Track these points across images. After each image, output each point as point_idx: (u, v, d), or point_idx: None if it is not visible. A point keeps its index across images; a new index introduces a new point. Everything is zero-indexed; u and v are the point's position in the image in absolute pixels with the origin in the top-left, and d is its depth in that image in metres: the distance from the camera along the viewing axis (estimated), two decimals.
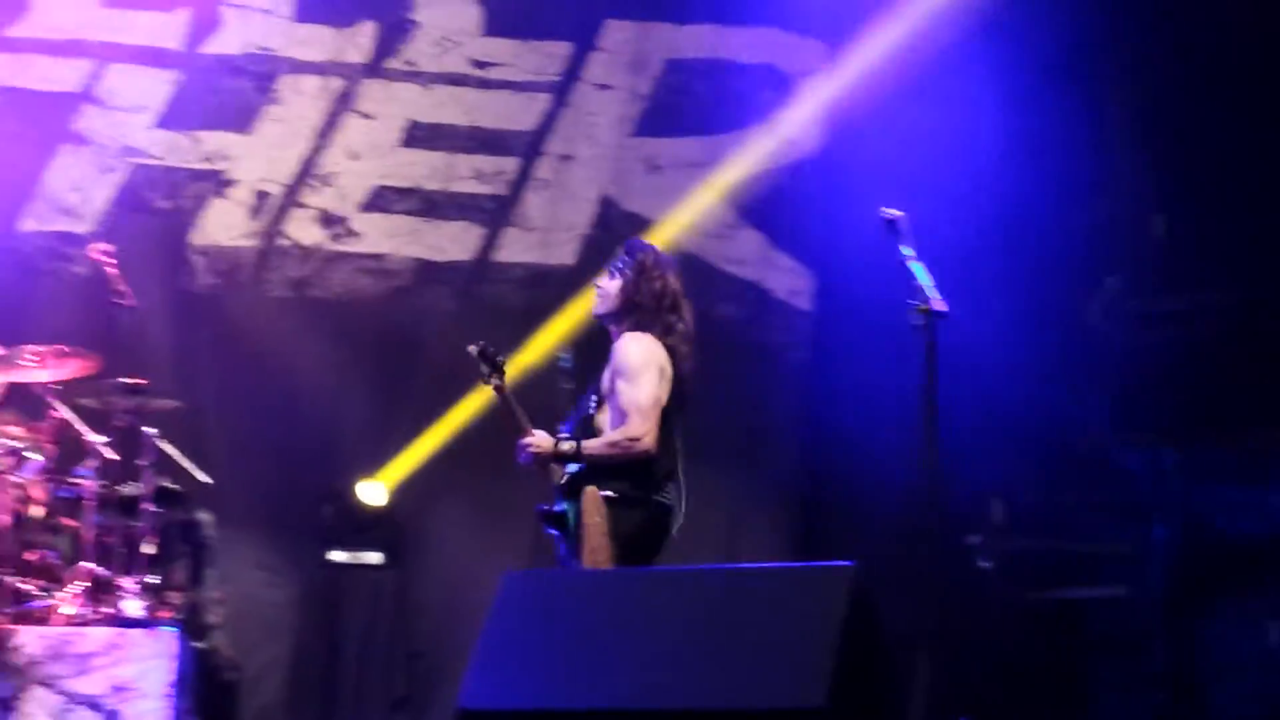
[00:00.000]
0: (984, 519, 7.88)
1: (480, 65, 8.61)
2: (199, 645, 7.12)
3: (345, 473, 8.19)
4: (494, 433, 8.19)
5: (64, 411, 7.18)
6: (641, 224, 8.53)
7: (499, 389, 5.75)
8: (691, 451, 8.20)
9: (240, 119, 8.46)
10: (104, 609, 6.84)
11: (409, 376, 8.38)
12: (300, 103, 8.49)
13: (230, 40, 8.45)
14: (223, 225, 8.42)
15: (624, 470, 5.52)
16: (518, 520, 8.10)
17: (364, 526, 8.17)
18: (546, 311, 8.33)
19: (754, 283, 8.65)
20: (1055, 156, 8.08)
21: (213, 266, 8.43)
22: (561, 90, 8.63)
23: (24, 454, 7.01)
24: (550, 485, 5.69)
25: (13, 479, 6.92)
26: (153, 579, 7.06)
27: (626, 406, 5.51)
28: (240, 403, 8.23)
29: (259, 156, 8.45)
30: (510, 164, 8.60)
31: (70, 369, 7.22)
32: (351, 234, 8.52)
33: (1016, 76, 8.08)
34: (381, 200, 8.55)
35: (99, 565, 6.97)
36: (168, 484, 7.40)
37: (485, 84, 8.60)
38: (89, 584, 6.89)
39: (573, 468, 5.60)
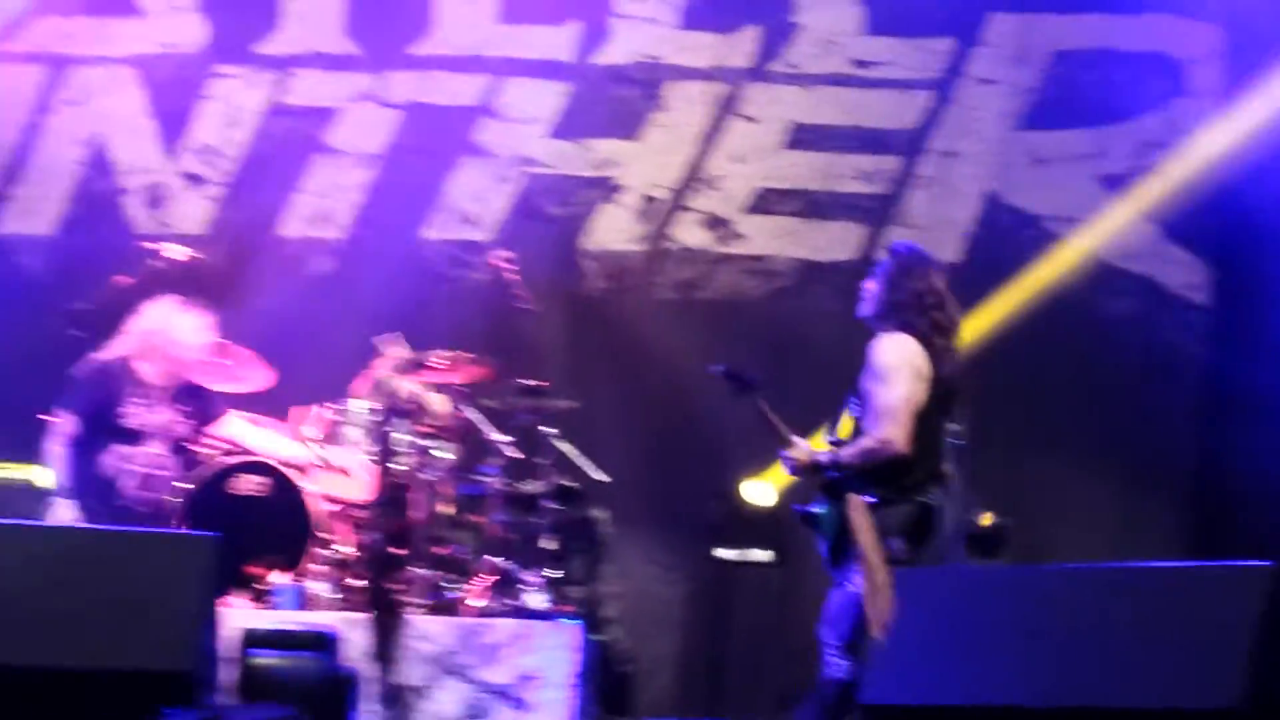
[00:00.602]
0: None
1: (862, 64, 8.61)
2: (597, 638, 7.34)
3: (732, 472, 8.29)
4: None
5: (469, 412, 7.52)
6: (1026, 219, 8.42)
7: (754, 404, 5.81)
8: (1081, 451, 8.13)
9: (628, 126, 8.67)
10: (509, 601, 7.12)
11: (793, 377, 8.44)
12: (685, 108, 8.65)
13: (618, 50, 8.67)
14: (612, 230, 8.66)
15: (883, 474, 5.55)
16: None
17: (752, 525, 8.26)
18: None
19: (1145, 276, 8.42)
20: None
21: (603, 270, 8.68)
22: (944, 86, 8.56)
23: (434, 453, 7.38)
24: (811, 487, 5.78)
25: (424, 477, 7.28)
26: (553, 573, 7.32)
27: (878, 409, 5.53)
28: (631, 402, 8.44)
29: (646, 162, 8.64)
30: (892, 162, 8.58)
31: (475, 372, 7.55)
32: (736, 236, 8.65)
33: None
34: (765, 202, 8.64)
35: (503, 560, 7.27)
36: (566, 482, 7.65)
37: (867, 83, 8.60)
38: (494, 577, 7.18)
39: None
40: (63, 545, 4.71)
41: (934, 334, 5.66)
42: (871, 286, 5.83)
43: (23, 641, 4.46)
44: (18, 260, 8.79)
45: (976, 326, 8.11)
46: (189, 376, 6.90)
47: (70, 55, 8.81)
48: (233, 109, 8.75)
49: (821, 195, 8.61)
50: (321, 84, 8.75)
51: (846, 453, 5.62)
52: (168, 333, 6.77)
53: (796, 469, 5.77)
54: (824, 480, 5.69)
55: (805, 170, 8.60)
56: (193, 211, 8.72)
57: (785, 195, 8.62)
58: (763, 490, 8.18)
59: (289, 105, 8.75)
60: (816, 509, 5.73)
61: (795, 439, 5.80)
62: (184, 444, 6.74)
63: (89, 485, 6.49)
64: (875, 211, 8.58)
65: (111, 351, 6.70)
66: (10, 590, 4.50)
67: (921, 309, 5.67)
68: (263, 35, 8.78)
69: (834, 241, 8.59)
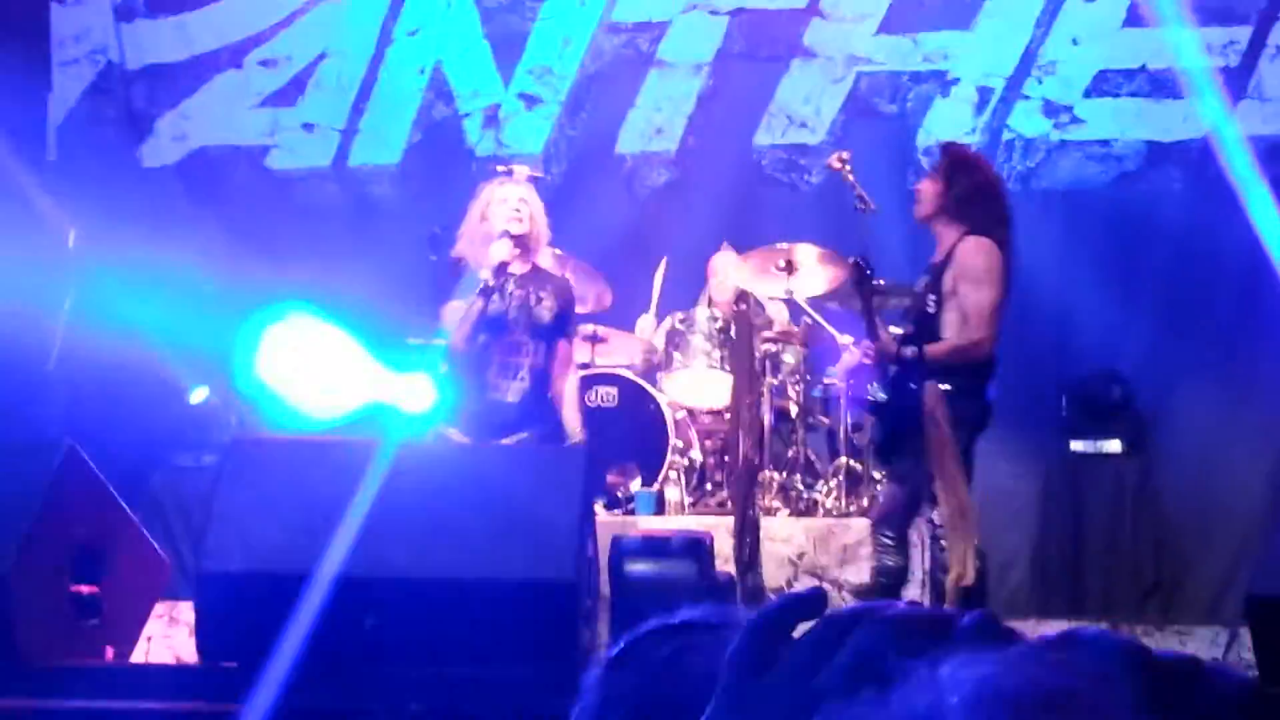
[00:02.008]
0: None
1: None
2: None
3: (1080, 363, 8.13)
4: (1239, 318, 7.95)
5: (813, 315, 7.54)
6: None
7: (865, 297, 5.86)
8: None
9: (960, 16, 8.48)
10: (860, 501, 7.15)
11: (1140, 263, 8.21)
12: None
13: None
14: (947, 123, 8.49)
15: (958, 369, 5.64)
16: (1262, 402, 7.84)
17: (1103, 415, 8.09)
18: None
19: None
20: None
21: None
22: None
23: (781, 357, 7.43)
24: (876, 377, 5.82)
25: (771, 381, 7.35)
26: None
27: (971, 311, 5.61)
28: None
29: (980, 51, 8.45)
30: (1242, 33, 8.20)
31: (825, 275, 7.53)
32: (1076, 121, 8.41)
33: None
34: (1106, 84, 8.38)
35: (853, 460, 7.29)
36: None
37: None
38: (845, 478, 7.22)
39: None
40: (447, 461, 4.92)
41: (1000, 227, 5.73)
42: (925, 187, 5.86)
43: (415, 553, 4.68)
44: (368, 190, 9.14)
45: None
46: (524, 260, 6.20)
47: None
48: (566, 28, 8.89)
49: (1166, 73, 8.29)
50: None
51: (936, 349, 5.67)
52: (478, 216, 6.18)
53: (878, 358, 5.78)
54: (901, 372, 5.72)
55: (1148, 48, 8.29)
56: (530, 132, 8.91)
57: (1127, 75, 8.34)
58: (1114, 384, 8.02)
59: (620, 22, 8.85)
60: (884, 397, 5.79)
61: (885, 331, 5.84)
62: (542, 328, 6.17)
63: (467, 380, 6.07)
64: (1225, 86, 8.21)
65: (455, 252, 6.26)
66: (400, 505, 4.71)
67: (980, 201, 5.73)
68: None
69: (1181, 120, 8.26)
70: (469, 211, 6.20)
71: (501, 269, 5.99)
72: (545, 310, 6.11)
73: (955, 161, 5.87)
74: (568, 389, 6.26)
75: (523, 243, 6.07)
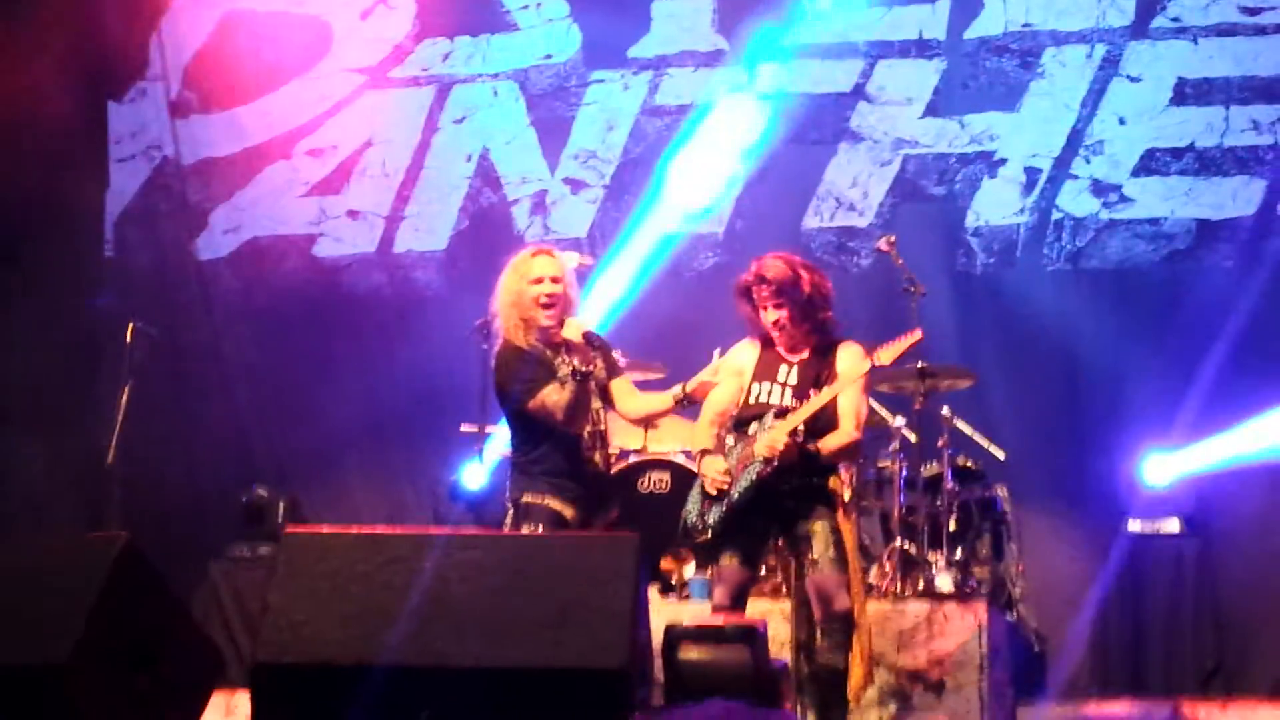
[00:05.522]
0: None
1: (1251, 12, 8.24)
2: (1007, 618, 7.23)
3: (1134, 442, 8.06)
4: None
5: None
6: None
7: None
8: None
9: (1006, 98, 8.51)
10: (916, 584, 7.08)
11: (1192, 341, 8.16)
12: (1064, 74, 8.45)
13: (992, 22, 8.53)
14: (995, 204, 8.50)
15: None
16: None
17: (1159, 495, 8.02)
18: None
19: None
20: None
21: (988, 246, 8.53)
22: None
23: None
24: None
25: None
26: (959, 554, 7.25)
27: (856, 411, 5.84)
28: (1025, 378, 8.28)
29: (1027, 132, 8.47)
30: None
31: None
32: (1125, 200, 8.40)
33: None
34: (1154, 163, 8.36)
35: (907, 543, 7.23)
36: (965, 461, 7.57)
37: (1260, 30, 8.23)
38: (900, 561, 7.16)
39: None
40: (499, 550, 4.89)
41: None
42: (779, 315, 5.93)
43: (468, 643, 4.65)
44: (414, 275, 9.19)
45: None
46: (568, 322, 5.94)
47: (453, 75, 9.16)
48: (609, 113, 8.95)
49: (1214, 151, 8.28)
50: (694, 81, 8.87)
51: (829, 448, 5.79)
52: (512, 285, 5.99)
53: (782, 456, 5.74)
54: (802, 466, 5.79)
55: (1196, 126, 8.29)
56: (576, 216, 8.95)
57: (1176, 154, 8.33)
58: (1162, 468, 7.95)
59: (663, 105, 8.90)
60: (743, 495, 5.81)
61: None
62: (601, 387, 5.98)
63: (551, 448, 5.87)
64: (1274, 164, 8.20)
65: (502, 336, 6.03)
66: (453, 595, 4.69)
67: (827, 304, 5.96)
68: (635, 38, 8.95)
69: (1231, 197, 8.25)
70: (508, 291, 5.99)
71: (585, 346, 5.82)
72: (600, 371, 5.95)
73: (792, 283, 5.89)
74: None
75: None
